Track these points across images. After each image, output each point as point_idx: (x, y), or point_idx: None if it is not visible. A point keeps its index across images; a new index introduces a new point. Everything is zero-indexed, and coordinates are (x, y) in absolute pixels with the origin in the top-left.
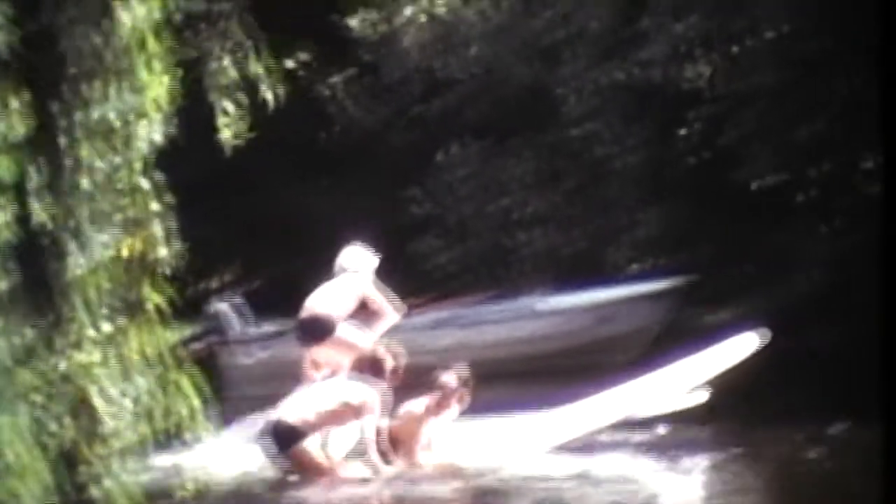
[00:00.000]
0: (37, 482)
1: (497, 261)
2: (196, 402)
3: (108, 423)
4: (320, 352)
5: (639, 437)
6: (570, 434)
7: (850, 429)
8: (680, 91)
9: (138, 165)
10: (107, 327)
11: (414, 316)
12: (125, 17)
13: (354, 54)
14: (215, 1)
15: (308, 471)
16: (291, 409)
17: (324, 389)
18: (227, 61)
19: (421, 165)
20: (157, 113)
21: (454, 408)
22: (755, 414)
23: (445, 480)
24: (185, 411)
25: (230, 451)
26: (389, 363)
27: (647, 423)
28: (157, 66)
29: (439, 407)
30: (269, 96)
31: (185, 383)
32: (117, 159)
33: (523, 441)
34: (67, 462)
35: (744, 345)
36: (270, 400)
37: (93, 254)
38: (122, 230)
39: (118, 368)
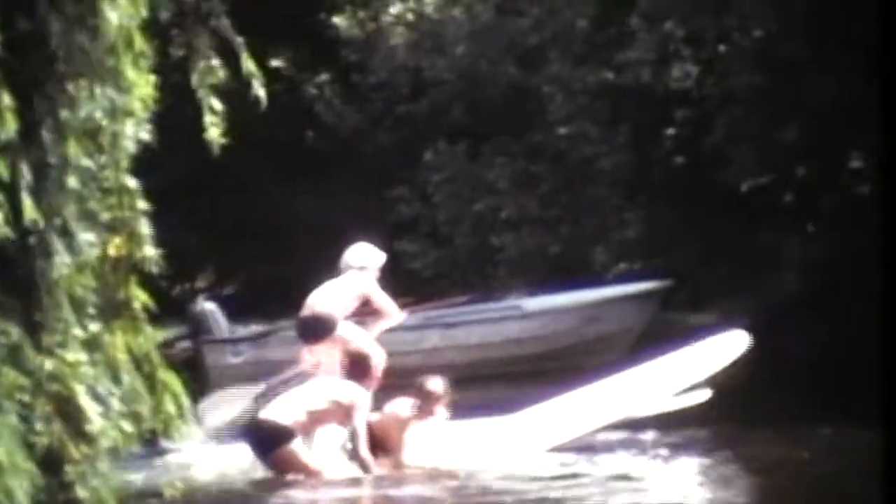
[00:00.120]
0: (27, 481)
1: (484, 260)
2: (184, 400)
3: (95, 423)
4: (321, 350)
5: (634, 436)
6: (566, 436)
7: (846, 429)
8: (667, 91)
9: (125, 164)
10: (93, 326)
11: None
12: (112, 16)
13: (341, 53)
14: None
15: (294, 472)
16: (279, 409)
17: (313, 389)
18: (214, 59)
19: (408, 165)
20: (145, 112)
21: (439, 414)
22: (752, 414)
23: (431, 482)
24: (172, 410)
25: (218, 450)
26: (374, 363)
27: (644, 422)
28: (144, 64)
29: (423, 413)
30: (261, 93)
31: (173, 382)
32: (104, 158)
33: (514, 441)
34: (54, 461)
35: (735, 342)
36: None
37: (79, 252)
38: (109, 229)
39: (105, 367)
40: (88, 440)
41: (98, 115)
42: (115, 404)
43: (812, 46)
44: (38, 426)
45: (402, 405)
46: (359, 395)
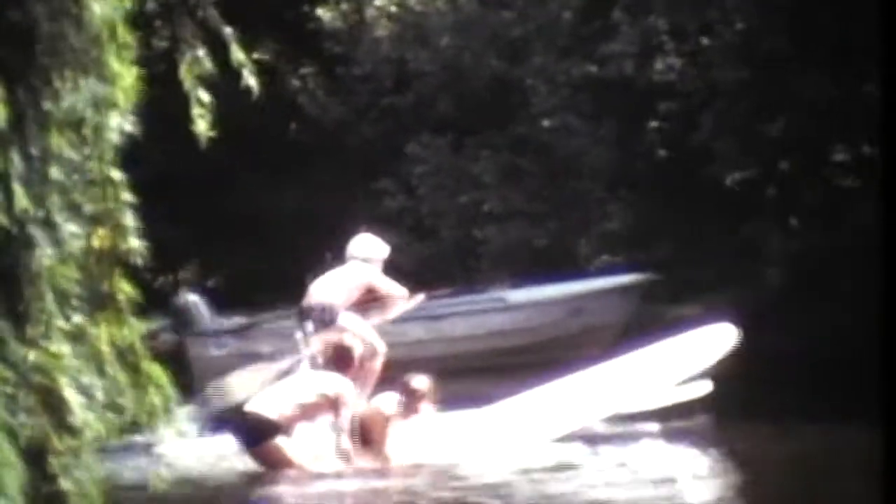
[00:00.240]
0: (16, 472)
1: (468, 253)
2: (169, 392)
3: (79, 415)
4: (331, 337)
5: (624, 428)
6: (556, 427)
7: (830, 422)
8: (651, 84)
9: (110, 156)
10: (78, 318)
11: (367, 310)
12: (96, 7)
13: (324, 45)
14: None
15: (279, 466)
16: (265, 402)
17: (300, 382)
18: (201, 51)
19: (392, 157)
20: (129, 104)
21: (424, 411)
22: (730, 406)
23: (415, 474)
24: (157, 402)
25: (203, 443)
26: (357, 353)
27: (634, 414)
28: (128, 56)
29: (408, 410)
30: (252, 82)
31: (158, 374)
32: (88, 150)
33: (501, 433)
34: (38, 453)
35: (723, 336)
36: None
37: (63, 244)
38: (94, 221)
39: (89, 359)
40: (72, 432)
41: (82, 106)
42: (100, 396)
43: (795, 40)
44: (23, 418)
45: (387, 401)
46: (345, 388)
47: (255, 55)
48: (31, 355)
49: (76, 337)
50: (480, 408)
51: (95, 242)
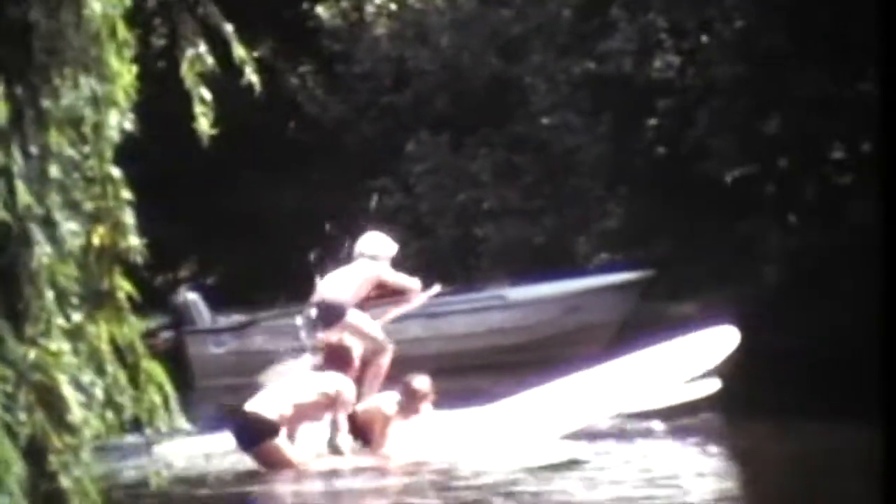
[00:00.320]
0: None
1: (467, 251)
2: (168, 390)
3: (78, 413)
4: (330, 336)
5: (633, 426)
6: (563, 427)
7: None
8: (649, 81)
9: (109, 154)
10: (77, 316)
11: (383, 306)
12: (95, 5)
13: (323, 43)
14: None
15: (278, 466)
16: (265, 401)
17: (300, 381)
18: (203, 47)
19: (391, 155)
20: (128, 101)
21: (424, 411)
22: (731, 404)
23: (413, 472)
24: (157, 400)
25: (203, 441)
26: (356, 353)
27: (643, 414)
28: (128, 53)
29: (408, 410)
30: (254, 78)
31: (157, 372)
32: (87, 148)
33: (503, 431)
34: (36, 451)
35: (725, 338)
36: (241, 389)
37: (62, 242)
38: (93, 219)
39: (88, 358)
40: (71, 430)
41: (81, 104)
42: (99, 394)
43: (794, 37)
44: (21, 416)
45: (387, 400)
46: (345, 387)
47: (255, 53)
48: (30, 353)
49: (75, 335)
50: (479, 405)
51: (95, 240)
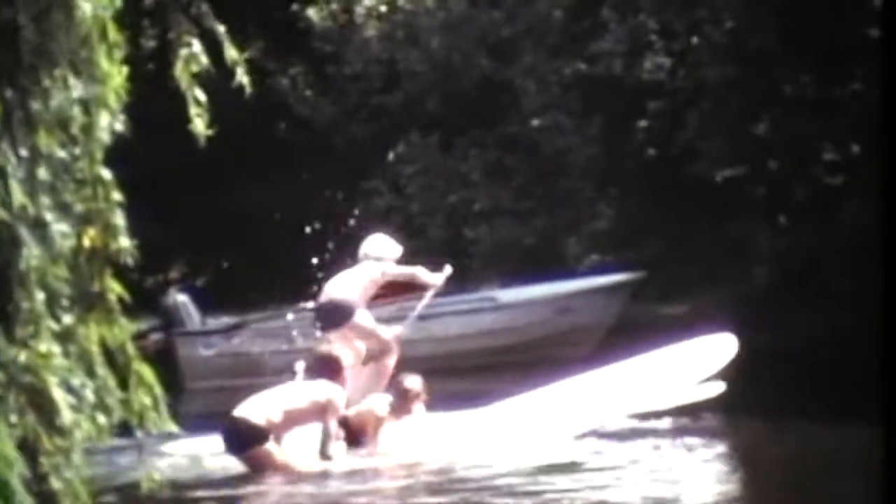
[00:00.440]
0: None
1: (457, 252)
2: (159, 392)
3: (68, 415)
4: (337, 337)
5: (634, 426)
6: (564, 429)
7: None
8: (639, 82)
9: (99, 155)
10: (67, 318)
11: (374, 308)
12: (86, 6)
13: (314, 45)
14: None
15: (269, 471)
16: (254, 407)
17: (290, 388)
18: (198, 47)
19: (382, 157)
20: (118, 103)
21: (416, 412)
22: (749, 411)
23: (407, 474)
24: (147, 402)
25: (192, 443)
26: (345, 362)
27: (644, 414)
28: (118, 55)
29: (400, 411)
30: (245, 80)
31: (147, 374)
32: (78, 149)
33: (501, 433)
34: (28, 453)
35: (724, 346)
36: (231, 391)
37: (53, 244)
38: (83, 220)
39: (78, 360)
40: (62, 432)
41: (71, 106)
42: (89, 396)
43: (783, 38)
44: (12, 418)
45: (379, 402)
46: (335, 394)
47: (245, 55)
48: (21, 356)
49: (66, 337)
50: (470, 407)
51: (85, 242)
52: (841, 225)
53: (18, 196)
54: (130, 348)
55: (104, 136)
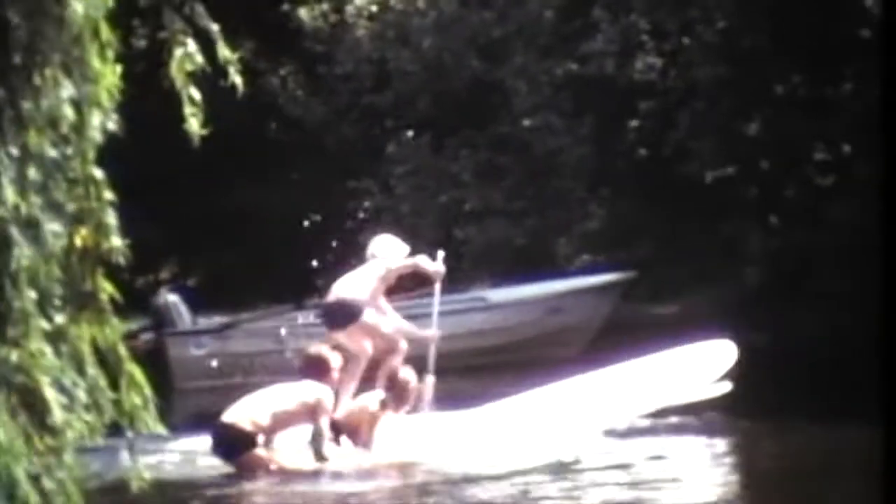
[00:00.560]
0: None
1: (449, 252)
2: (149, 393)
3: (60, 415)
4: (345, 336)
5: (633, 425)
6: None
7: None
8: (631, 83)
9: (91, 155)
10: (59, 318)
11: (395, 304)
12: (78, 5)
13: (305, 45)
14: None
15: (260, 472)
16: (241, 412)
17: (279, 391)
18: (192, 45)
19: (372, 156)
20: (111, 102)
21: (411, 402)
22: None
23: (399, 474)
24: (138, 402)
25: (183, 444)
26: (335, 363)
27: (644, 414)
28: (110, 54)
29: (395, 403)
30: (237, 80)
31: (138, 374)
32: (69, 149)
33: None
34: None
35: (724, 352)
36: (222, 391)
37: (44, 243)
38: (75, 220)
39: (70, 359)
40: (53, 432)
41: (63, 105)
42: (81, 396)
43: (775, 39)
44: (3, 418)
45: (372, 399)
46: (324, 395)
47: (236, 54)
48: (12, 355)
49: (57, 337)
50: (460, 407)
51: (77, 242)
52: (832, 225)
53: (10, 195)
54: (122, 348)
55: (96, 136)
